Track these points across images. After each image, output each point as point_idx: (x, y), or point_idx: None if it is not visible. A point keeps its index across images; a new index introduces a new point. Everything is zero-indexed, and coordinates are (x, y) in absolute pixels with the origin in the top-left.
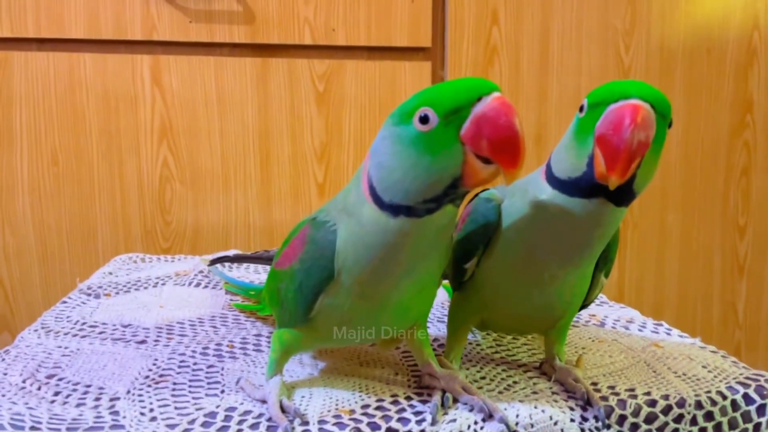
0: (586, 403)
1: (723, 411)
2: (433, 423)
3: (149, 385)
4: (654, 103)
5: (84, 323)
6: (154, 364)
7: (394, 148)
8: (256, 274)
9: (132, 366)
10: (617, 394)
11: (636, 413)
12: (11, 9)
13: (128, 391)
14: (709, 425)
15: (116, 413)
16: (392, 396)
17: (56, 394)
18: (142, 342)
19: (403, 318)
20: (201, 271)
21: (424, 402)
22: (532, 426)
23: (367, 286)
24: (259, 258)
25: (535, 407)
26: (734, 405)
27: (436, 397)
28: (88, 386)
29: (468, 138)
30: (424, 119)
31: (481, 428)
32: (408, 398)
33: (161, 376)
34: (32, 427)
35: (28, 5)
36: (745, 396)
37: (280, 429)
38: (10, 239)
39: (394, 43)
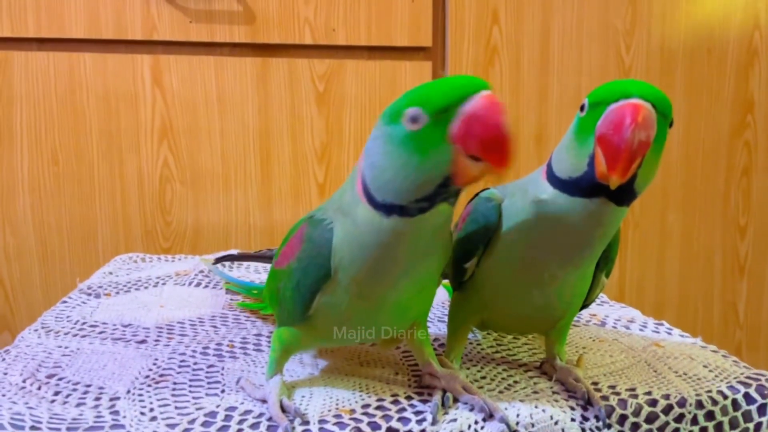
0: (587, 403)
1: (724, 410)
2: (434, 423)
3: (149, 385)
4: (655, 103)
5: (84, 323)
6: (155, 364)
7: (385, 147)
8: (257, 274)
9: (132, 366)
10: (618, 393)
11: (637, 413)
12: (11, 9)
13: (128, 391)
14: (710, 425)
15: (116, 413)
16: (393, 396)
17: (56, 393)
18: (143, 342)
19: (401, 317)
20: (201, 271)
21: (424, 402)
22: (533, 426)
23: (364, 285)
24: (262, 257)
25: (536, 407)
26: (735, 404)
27: (437, 397)
28: (89, 386)
29: (457, 137)
30: (413, 119)
31: (482, 428)
32: (408, 398)
33: (161, 375)
34: (32, 427)
35: (28, 5)
36: (746, 395)
37: (280, 429)
38: (11, 239)
39: (394, 42)
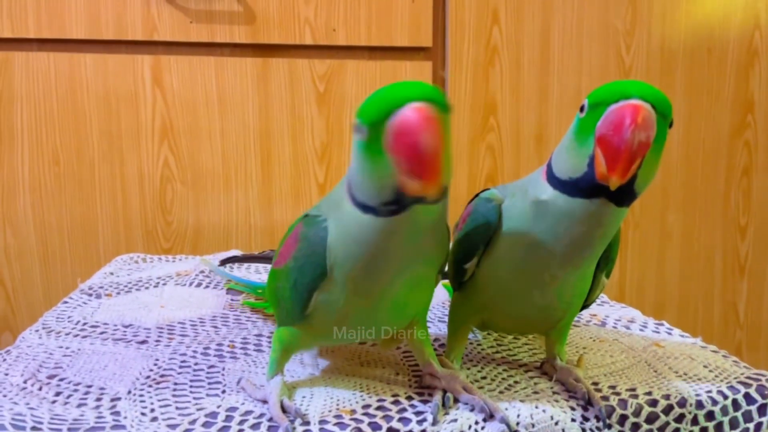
0: (587, 403)
1: (724, 410)
2: (434, 423)
3: (150, 386)
4: (655, 103)
5: (85, 323)
6: (155, 365)
7: (353, 151)
8: (257, 274)
9: (133, 366)
10: (618, 393)
11: (637, 413)
12: (12, 9)
13: (129, 392)
14: (710, 425)
15: (117, 413)
16: (393, 396)
17: (57, 394)
18: (143, 342)
19: (399, 314)
20: (202, 271)
21: (425, 402)
22: (533, 426)
23: (359, 282)
24: (266, 258)
25: (536, 407)
26: (735, 404)
27: (437, 397)
28: (90, 386)
29: (389, 151)
30: (357, 129)
31: (482, 428)
32: (409, 398)
33: (162, 376)
34: (33, 428)
35: (28, 5)
36: (746, 395)
37: (281, 429)
38: (11, 239)
39: (394, 42)
